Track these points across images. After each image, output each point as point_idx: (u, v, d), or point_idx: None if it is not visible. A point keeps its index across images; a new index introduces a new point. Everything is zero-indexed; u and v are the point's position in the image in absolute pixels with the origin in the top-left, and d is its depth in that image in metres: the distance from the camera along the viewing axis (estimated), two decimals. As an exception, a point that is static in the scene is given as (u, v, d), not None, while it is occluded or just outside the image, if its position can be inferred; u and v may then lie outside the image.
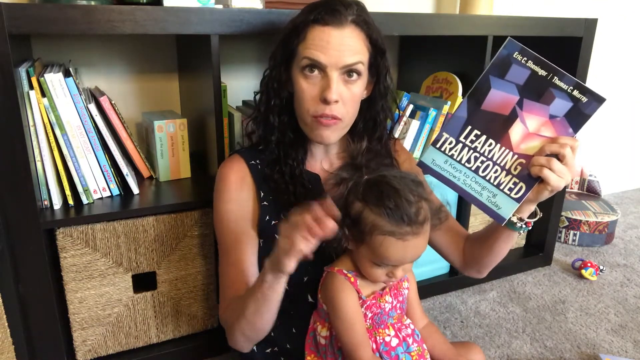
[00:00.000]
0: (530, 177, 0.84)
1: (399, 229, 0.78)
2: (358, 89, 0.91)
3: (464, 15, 1.48)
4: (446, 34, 1.33)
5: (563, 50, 1.58)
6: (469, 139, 0.87)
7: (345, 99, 0.89)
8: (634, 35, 2.33)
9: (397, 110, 1.42)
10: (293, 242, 0.72)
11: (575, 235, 1.97)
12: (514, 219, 0.87)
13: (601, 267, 1.74)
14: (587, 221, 1.94)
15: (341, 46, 0.86)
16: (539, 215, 0.90)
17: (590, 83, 2.00)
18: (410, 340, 0.90)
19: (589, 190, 2.26)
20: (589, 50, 1.56)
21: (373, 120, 0.99)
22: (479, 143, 0.87)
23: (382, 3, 1.70)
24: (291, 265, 0.74)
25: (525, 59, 0.83)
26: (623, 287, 1.66)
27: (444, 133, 0.89)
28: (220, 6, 1.12)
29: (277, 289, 0.81)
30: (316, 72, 0.87)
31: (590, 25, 1.52)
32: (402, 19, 1.25)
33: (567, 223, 1.97)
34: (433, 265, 1.56)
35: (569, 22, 1.49)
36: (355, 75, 0.89)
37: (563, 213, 1.97)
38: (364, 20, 0.89)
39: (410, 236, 0.79)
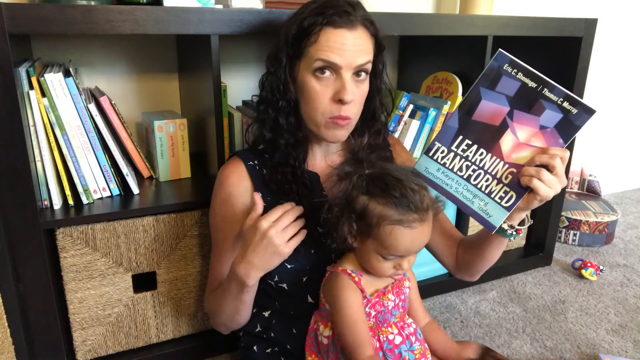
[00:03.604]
0: (520, 186, 0.85)
1: (407, 217, 0.80)
2: (366, 87, 0.93)
3: (464, 15, 1.48)
4: (446, 34, 1.33)
5: (563, 50, 1.58)
6: (461, 148, 0.89)
7: (357, 98, 0.91)
8: (634, 35, 2.33)
9: (396, 109, 1.42)
10: (295, 234, 0.87)
11: (575, 235, 1.97)
12: (505, 226, 0.89)
13: (601, 267, 1.74)
14: (587, 221, 1.94)
15: (354, 47, 0.87)
16: (529, 222, 0.93)
17: (591, 83, 2.00)
18: (412, 339, 0.91)
19: (589, 190, 2.26)
20: (589, 50, 1.56)
21: (372, 115, 1.00)
22: (471, 152, 0.88)
23: (382, 3, 1.70)
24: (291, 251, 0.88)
25: (516, 70, 0.84)
26: (623, 287, 1.66)
27: (436, 142, 0.90)
28: (220, 6, 1.12)
29: (254, 290, 0.93)
30: (328, 73, 0.88)
31: (590, 25, 1.52)
32: (402, 19, 1.25)
33: (567, 223, 1.97)
34: (433, 265, 1.55)
35: (569, 22, 1.49)
36: (363, 75, 0.90)
37: (563, 213, 1.97)
38: (370, 20, 0.90)
39: (418, 223, 0.81)
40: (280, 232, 0.85)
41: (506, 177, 0.86)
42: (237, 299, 0.93)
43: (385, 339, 0.88)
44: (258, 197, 0.89)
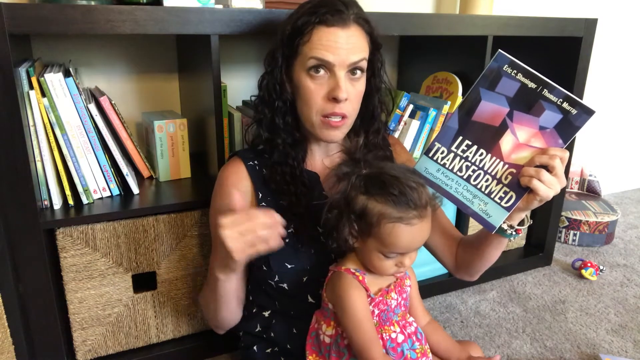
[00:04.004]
0: (520, 187, 0.85)
1: (406, 214, 0.80)
2: (362, 85, 0.93)
3: (464, 15, 1.48)
4: (446, 34, 1.33)
5: (563, 50, 1.58)
6: (461, 149, 0.89)
7: (352, 96, 0.90)
8: (634, 35, 2.33)
9: (396, 109, 1.42)
10: (254, 243, 0.78)
11: (575, 235, 1.97)
12: (505, 226, 0.89)
13: (601, 267, 1.74)
14: (587, 221, 1.94)
15: (347, 45, 0.87)
16: (529, 222, 0.93)
17: (591, 83, 2.00)
18: (414, 338, 0.91)
19: (589, 190, 2.26)
20: (589, 50, 1.56)
21: (370, 114, 1.00)
22: (470, 153, 0.88)
23: (382, 3, 1.70)
24: (242, 263, 0.81)
25: (515, 71, 0.84)
26: (623, 287, 1.66)
27: (436, 143, 0.91)
28: (220, 6, 1.12)
29: (229, 285, 0.92)
30: (322, 72, 0.88)
31: (590, 25, 1.52)
32: (402, 19, 1.25)
33: (567, 223, 1.97)
34: (433, 265, 1.55)
35: (569, 22, 1.49)
36: (359, 73, 0.90)
37: (563, 213, 1.97)
38: (364, 18, 0.91)
39: (417, 220, 0.81)
40: (237, 235, 0.76)
41: (506, 178, 0.86)
42: (213, 292, 0.93)
43: (388, 337, 0.88)
44: (237, 194, 0.80)
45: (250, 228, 0.77)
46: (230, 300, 0.97)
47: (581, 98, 1.59)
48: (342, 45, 0.86)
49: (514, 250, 1.79)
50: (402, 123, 1.44)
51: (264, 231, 0.77)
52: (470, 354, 0.98)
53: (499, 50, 0.85)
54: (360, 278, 0.87)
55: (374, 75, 0.97)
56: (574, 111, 0.82)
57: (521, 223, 0.91)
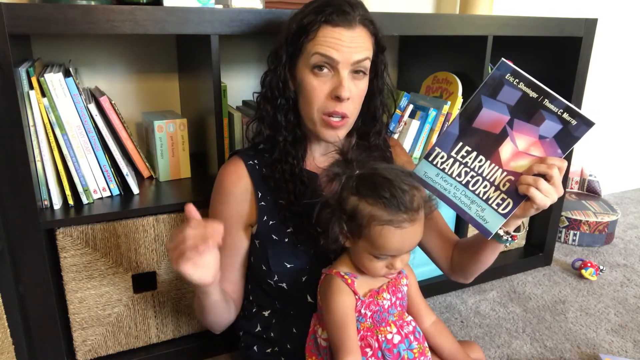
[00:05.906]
0: (517, 194, 0.86)
1: (396, 217, 0.80)
2: (364, 85, 0.93)
3: (464, 15, 1.48)
4: (446, 34, 1.33)
5: (563, 50, 1.58)
6: (460, 155, 0.89)
7: (354, 96, 0.91)
8: (634, 35, 2.33)
9: (397, 110, 1.42)
10: (172, 260, 0.76)
11: (575, 235, 1.97)
12: (501, 232, 0.89)
13: (601, 267, 1.74)
14: (587, 221, 1.94)
15: (352, 44, 0.87)
16: (525, 229, 0.93)
17: (590, 83, 2.00)
18: (411, 338, 0.91)
19: (589, 190, 2.26)
20: (589, 50, 1.56)
21: (372, 116, 1.01)
22: (470, 159, 0.89)
23: (382, 3, 1.70)
24: (189, 277, 0.77)
25: (517, 80, 0.85)
26: (623, 287, 1.66)
27: (436, 148, 0.91)
28: (220, 6, 1.12)
29: (206, 297, 0.88)
30: (326, 70, 0.88)
31: (590, 25, 1.52)
32: (402, 19, 1.26)
33: (567, 223, 1.97)
34: (433, 265, 1.55)
35: (569, 22, 1.49)
36: (362, 73, 0.91)
37: (563, 213, 1.97)
38: (370, 19, 0.91)
39: (408, 223, 0.81)
40: (172, 248, 0.77)
41: (504, 185, 0.87)
42: (198, 300, 0.92)
43: (383, 338, 0.88)
44: (190, 206, 0.79)
45: (181, 239, 0.75)
46: (216, 307, 0.94)
47: (581, 98, 1.59)
48: (346, 44, 0.87)
49: (514, 250, 1.79)
50: (402, 123, 1.44)
51: (191, 240, 0.75)
52: (473, 358, 0.98)
53: (502, 59, 0.86)
54: (349, 281, 0.87)
55: (377, 76, 0.97)
56: (573, 122, 0.82)
57: (517, 229, 0.91)
